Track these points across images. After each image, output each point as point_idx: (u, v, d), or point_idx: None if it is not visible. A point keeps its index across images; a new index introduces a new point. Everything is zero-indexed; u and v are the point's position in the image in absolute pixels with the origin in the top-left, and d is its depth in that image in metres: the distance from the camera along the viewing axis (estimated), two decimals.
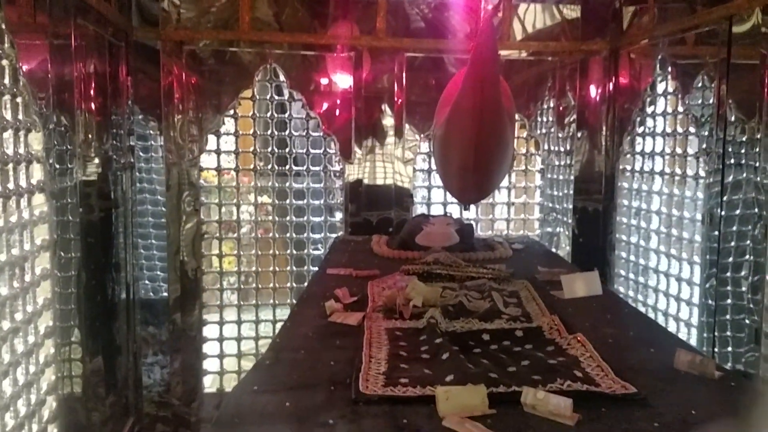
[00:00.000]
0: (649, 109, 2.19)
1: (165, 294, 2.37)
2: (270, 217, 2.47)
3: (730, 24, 1.75)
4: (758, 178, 1.61)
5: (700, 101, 1.91)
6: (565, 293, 1.52)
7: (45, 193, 1.46)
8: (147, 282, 2.37)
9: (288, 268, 2.49)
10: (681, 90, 2.03)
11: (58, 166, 1.54)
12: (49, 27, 1.54)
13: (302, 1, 2.35)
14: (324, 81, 2.41)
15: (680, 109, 2.03)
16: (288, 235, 2.48)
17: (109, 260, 1.98)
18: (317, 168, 2.45)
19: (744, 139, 1.70)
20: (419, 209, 2.51)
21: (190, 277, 2.38)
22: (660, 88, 2.14)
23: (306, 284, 2.12)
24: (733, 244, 1.73)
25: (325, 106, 2.41)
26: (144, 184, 2.33)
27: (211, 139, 2.37)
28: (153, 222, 2.36)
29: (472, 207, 2.51)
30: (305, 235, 2.48)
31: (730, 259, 1.74)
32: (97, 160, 1.84)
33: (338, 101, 2.41)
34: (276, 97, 2.38)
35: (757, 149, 1.62)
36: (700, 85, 1.91)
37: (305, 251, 2.49)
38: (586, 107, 2.48)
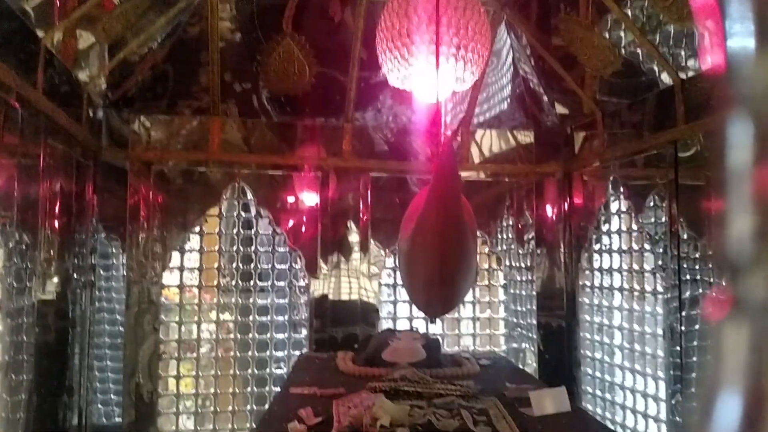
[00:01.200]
0: (605, 227, 2.29)
1: (119, 419, 2.24)
2: (231, 335, 2.42)
3: (675, 148, 1.88)
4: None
5: (653, 219, 2.01)
6: (534, 410, 1.50)
7: (0, 312, 1.41)
8: (100, 406, 2.25)
9: (248, 389, 2.40)
10: (634, 209, 2.13)
11: (16, 285, 1.50)
12: (19, 147, 1.56)
13: (271, 125, 2.44)
14: (291, 199, 2.46)
15: (634, 227, 2.13)
16: (250, 353, 2.41)
17: (62, 383, 1.89)
18: (282, 283, 2.44)
19: (697, 255, 1.78)
20: (385, 324, 2.49)
21: (146, 400, 2.27)
22: (614, 207, 2.25)
23: (267, 405, 2.04)
24: (694, 359, 1.76)
25: (291, 222, 2.44)
26: (103, 303, 2.27)
27: (175, 256, 2.35)
28: (109, 342, 2.28)
29: (438, 321, 2.51)
30: (268, 353, 2.42)
31: (693, 375, 1.76)
32: (56, 279, 1.80)
33: (304, 218, 2.45)
34: (243, 214, 2.41)
35: (710, 265, 1.70)
36: (651, 204, 2.02)
37: (267, 370, 2.41)
38: (544, 225, 2.58)
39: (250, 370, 2.40)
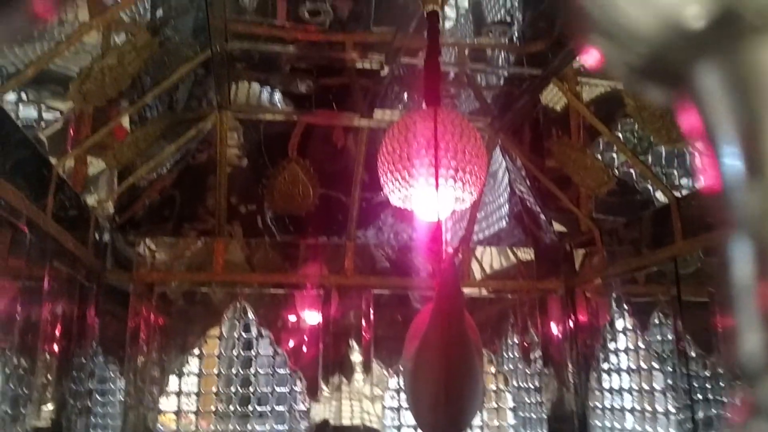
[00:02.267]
0: (611, 345, 2.25)
1: None
2: None
3: (676, 264, 1.89)
4: (729, 415, 1.62)
5: (659, 337, 1.98)
6: None
7: None
8: None
9: None
10: (639, 326, 2.11)
11: (11, 412, 1.46)
12: (24, 269, 1.58)
13: (274, 245, 2.47)
14: (292, 318, 2.44)
15: (641, 345, 2.09)
16: None
17: None
18: (282, 408, 2.35)
19: (708, 374, 1.74)
20: None
21: None
22: (619, 324, 2.23)
23: None
24: None
25: (292, 342, 2.41)
26: (98, 430, 2.19)
27: (173, 380, 2.30)
28: None
29: None
30: None
31: None
32: (52, 405, 1.75)
33: (306, 337, 2.42)
34: (243, 335, 2.38)
35: (722, 384, 1.65)
36: (657, 321, 2.00)
37: None
38: (550, 343, 2.54)
39: None
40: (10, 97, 1.70)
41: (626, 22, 0.27)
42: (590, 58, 0.30)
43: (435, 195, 1.35)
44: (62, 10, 1.52)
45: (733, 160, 0.27)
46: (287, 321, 2.44)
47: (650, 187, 2.19)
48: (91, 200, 2.08)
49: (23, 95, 1.80)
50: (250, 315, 2.39)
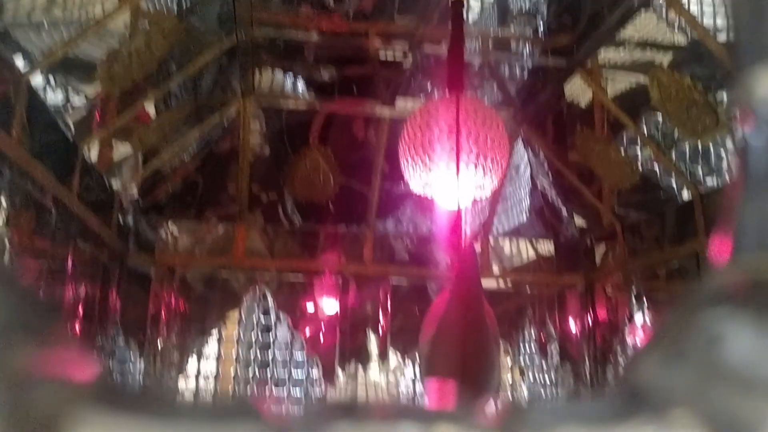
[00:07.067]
0: (629, 340, 2.23)
1: None
2: None
3: (698, 261, 1.86)
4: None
5: None
6: None
7: None
8: None
9: None
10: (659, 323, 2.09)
11: None
12: (49, 249, 1.61)
13: (294, 232, 2.49)
14: (310, 305, 2.45)
15: None
16: None
17: None
18: (298, 392, 2.37)
19: None
20: None
21: None
22: (638, 320, 2.21)
23: None
24: None
25: (309, 329, 2.42)
26: None
27: (192, 363, 2.33)
28: None
29: None
30: None
31: None
32: None
33: (323, 324, 2.43)
34: (262, 320, 2.40)
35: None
36: None
37: None
38: (567, 338, 2.52)
39: None
40: (38, 81, 1.73)
41: None
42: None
43: (455, 181, 1.35)
44: None
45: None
46: (305, 308, 2.45)
47: (674, 184, 2.17)
48: (115, 184, 2.12)
49: (51, 79, 1.84)
50: (269, 300, 2.41)
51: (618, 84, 2.17)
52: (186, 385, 2.32)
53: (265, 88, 2.32)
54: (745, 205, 0.26)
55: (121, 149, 2.17)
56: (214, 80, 2.27)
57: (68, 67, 1.83)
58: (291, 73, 2.31)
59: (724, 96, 1.96)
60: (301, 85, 2.34)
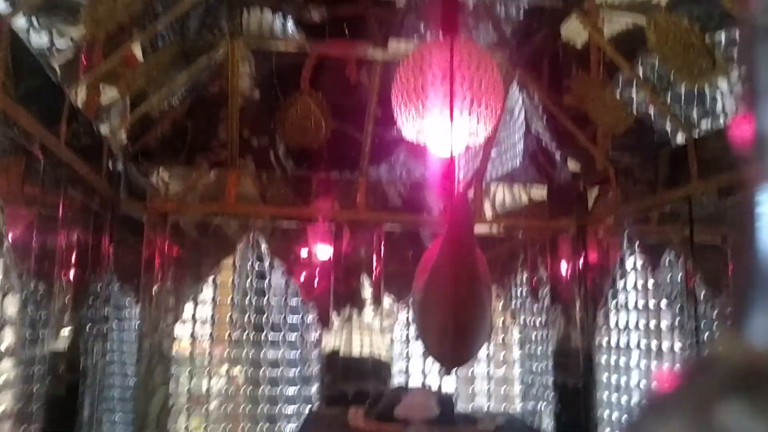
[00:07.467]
0: (620, 284, 2.26)
1: None
2: (242, 390, 2.38)
3: (690, 205, 1.87)
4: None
5: (669, 277, 1.99)
6: None
7: (13, 360, 1.41)
8: None
9: None
10: (650, 266, 2.11)
11: (29, 334, 1.50)
12: (39, 196, 1.59)
13: (286, 179, 2.47)
14: (304, 251, 2.47)
15: (650, 284, 2.10)
16: (259, 409, 2.37)
17: None
18: (294, 336, 2.41)
19: (715, 315, 1.75)
20: (398, 381, 2.45)
21: None
22: (629, 264, 2.23)
23: None
24: None
25: (304, 275, 2.44)
26: (114, 355, 2.26)
27: (188, 308, 2.35)
28: (119, 395, 2.25)
29: (452, 378, 2.46)
30: (278, 408, 2.38)
31: None
32: (69, 330, 1.80)
33: (317, 271, 2.45)
34: (256, 266, 2.42)
35: (729, 324, 1.66)
36: (667, 261, 2.00)
37: (277, 425, 2.36)
38: (558, 281, 2.55)
39: (260, 426, 2.36)
40: (21, 23, 1.67)
41: None
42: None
43: (449, 127, 1.33)
44: None
45: None
46: (299, 254, 2.46)
47: (668, 128, 2.15)
48: (104, 129, 2.08)
49: (34, 21, 1.78)
50: (263, 247, 2.42)
51: (614, 25, 2.12)
52: (182, 330, 2.35)
53: (254, 28, 2.25)
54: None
55: (109, 93, 2.12)
56: (202, 21, 2.20)
57: (52, 8, 1.76)
58: (280, 13, 2.24)
59: (722, 37, 1.92)
60: (290, 25, 2.27)
